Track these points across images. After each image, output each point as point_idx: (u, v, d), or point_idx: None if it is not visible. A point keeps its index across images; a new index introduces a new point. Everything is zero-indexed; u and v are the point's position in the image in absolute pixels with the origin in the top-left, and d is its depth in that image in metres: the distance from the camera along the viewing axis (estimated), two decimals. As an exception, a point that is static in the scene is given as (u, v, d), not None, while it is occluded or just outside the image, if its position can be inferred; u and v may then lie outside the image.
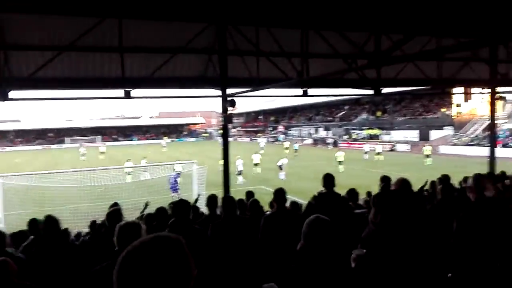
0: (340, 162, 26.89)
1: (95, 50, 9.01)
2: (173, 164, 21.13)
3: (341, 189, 6.24)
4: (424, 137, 42.79)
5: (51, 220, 3.84)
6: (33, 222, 4.91)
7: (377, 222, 2.94)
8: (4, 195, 13.44)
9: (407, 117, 51.80)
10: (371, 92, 12.38)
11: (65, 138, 78.10)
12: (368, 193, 9.02)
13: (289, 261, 2.90)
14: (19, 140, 78.86)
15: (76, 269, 3.57)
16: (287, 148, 41.58)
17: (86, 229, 8.68)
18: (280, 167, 24.33)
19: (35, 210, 12.08)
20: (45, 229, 3.85)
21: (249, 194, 8.61)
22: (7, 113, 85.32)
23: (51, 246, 3.76)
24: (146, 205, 8.53)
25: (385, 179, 7.10)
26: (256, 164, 26.90)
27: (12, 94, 8.35)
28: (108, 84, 9.95)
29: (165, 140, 67.22)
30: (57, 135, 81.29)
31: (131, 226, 2.75)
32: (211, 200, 5.50)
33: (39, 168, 28.46)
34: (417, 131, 44.96)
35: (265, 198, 8.51)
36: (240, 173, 23.14)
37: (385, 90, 12.79)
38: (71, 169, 19.95)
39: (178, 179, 19.00)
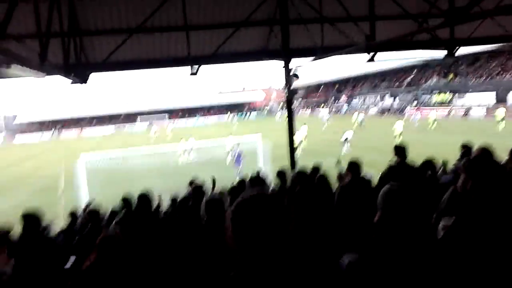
0: (398, 135, 24.49)
1: (162, 30, 9.26)
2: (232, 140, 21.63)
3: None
4: (502, 100, 39.42)
5: (144, 197, 4.09)
6: (126, 198, 5.23)
7: (467, 190, 2.78)
8: (86, 174, 14.57)
9: (483, 79, 47.93)
10: (444, 52, 11.54)
11: (137, 117, 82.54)
12: (443, 163, 8.57)
13: (368, 233, 2.84)
14: (95, 122, 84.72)
15: (166, 240, 3.77)
16: (361, 123, 37.33)
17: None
18: (346, 140, 23.60)
19: (116, 188, 13.03)
20: (138, 205, 4.11)
21: (316, 169, 8.52)
22: (82, 98, 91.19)
23: (143, 221, 4.02)
24: (214, 181, 8.60)
25: (465, 147, 6.70)
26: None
27: (91, 77, 8.90)
28: (176, 63, 10.25)
29: (235, 117, 69.21)
30: (129, 117, 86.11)
31: (216, 201, 2.89)
32: (282, 174, 5.56)
33: (115, 148, 30.39)
34: (494, 93, 41.48)
35: (331, 171, 8.36)
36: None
37: (460, 50, 11.85)
38: (145, 147, 21.07)
39: (241, 154, 19.25)
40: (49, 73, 6.28)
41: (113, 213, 6.25)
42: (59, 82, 8.30)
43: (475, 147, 5.05)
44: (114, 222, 5.10)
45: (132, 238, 3.67)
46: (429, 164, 7.57)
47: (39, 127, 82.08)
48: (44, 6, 6.66)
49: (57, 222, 9.21)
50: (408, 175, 5.39)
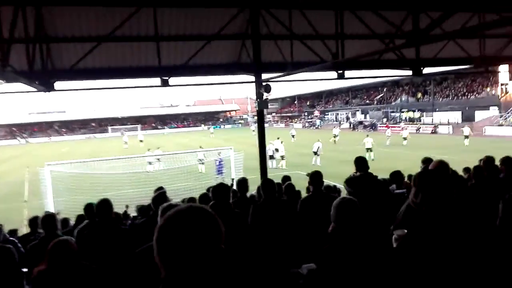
0: (368, 149, 24.54)
1: (132, 40, 9.22)
2: (202, 151, 21.66)
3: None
4: (468, 118, 41.09)
5: (104, 204, 4.03)
6: (88, 207, 5.13)
7: (417, 202, 2.90)
8: (52, 183, 14.12)
9: (449, 98, 49.81)
10: (409, 72, 11.97)
11: (108, 127, 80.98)
12: (410, 176, 8.83)
13: (322, 243, 2.92)
14: (64, 130, 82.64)
15: (124, 250, 3.71)
16: (335, 136, 36.75)
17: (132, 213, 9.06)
18: (315, 153, 23.94)
19: (83, 197, 12.71)
20: (98, 212, 4.04)
21: (285, 178, 8.63)
22: (52, 104, 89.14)
23: (101, 229, 3.95)
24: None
25: (427, 161, 6.90)
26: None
27: (56, 85, 8.71)
28: (146, 73, 10.17)
29: (211, 128, 68.95)
30: (100, 125, 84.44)
31: (173, 207, 2.87)
32: (242, 183, 5.59)
33: (85, 157, 29.72)
34: (460, 112, 43.22)
35: (300, 182, 8.48)
36: (271, 157, 23.34)
37: (425, 70, 12.33)
38: (112, 157, 20.77)
39: (223, 163, 19.27)
40: (9, 80, 6.10)
41: (80, 220, 6.11)
42: (27, 87, 8.07)
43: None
44: (76, 230, 5.00)
45: (88, 246, 3.61)
46: (396, 176, 7.80)
47: (5, 132, 79.27)
48: (8, 10, 6.53)
49: (21, 229, 8.93)
50: (369, 187, 5.49)
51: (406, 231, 3.10)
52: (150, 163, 22.29)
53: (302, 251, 4.39)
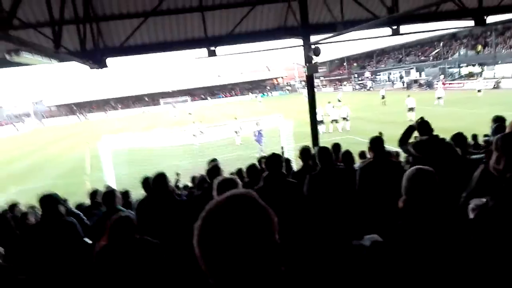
0: (410, 109, 23.27)
1: (177, 12, 9.14)
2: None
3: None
4: (536, 70, 37.67)
5: (159, 178, 4.07)
6: (145, 180, 5.23)
7: (500, 169, 2.58)
8: (110, 156, 14.76)
9: (514, 49, 45.80)
10: (471, 23, 10.98)
11: (160, 100, 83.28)
12: (474, 136, 8.24)
13: (393, 218, 2.69)
14: (120, 105, 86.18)
15: (182, 224, 3.73)
16: (384, 97, 35.63)
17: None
18: (345, 118, 23.46)
19: (140, 169, 13.20)
20: (154, 186, 4.10)
21: (336, 145, 8.32)
22: (108, 81, 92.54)
23: (159, 202, 4.01)
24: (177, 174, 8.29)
25: (498, 120, 6.24)
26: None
27: (108, 62, 8.89)
28: (192, 44, 10.12)
29: (259, 96, 68.65)
30: (153, 99, 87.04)
31: (228, 181, 2.85)
32: (305, 151, 5.41)
33: (140, 130, 30.88)
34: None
35: (353, 147, 8.15)
36: (320, 122, 22.89)
37: (488, 19, 11.25)
38: (158, 130, 21.30)
39: (262, 132, 19.27)
40: (63, 59, 6.26)
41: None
42: (82, 66, 8.29)
43: (508, 121, 4.66)
44: (137, 204, 5.12)
45: (147, 219, 3.68)
46: (458, 138, 7.25)
47: (66, 110, 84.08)
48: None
49: (85, 202, 9.42)
50: (438, 151, 5.02)
51: (485, 200, 2.81)
52: (194, 135, 22.71)
53: (363, 222, 4.20)
